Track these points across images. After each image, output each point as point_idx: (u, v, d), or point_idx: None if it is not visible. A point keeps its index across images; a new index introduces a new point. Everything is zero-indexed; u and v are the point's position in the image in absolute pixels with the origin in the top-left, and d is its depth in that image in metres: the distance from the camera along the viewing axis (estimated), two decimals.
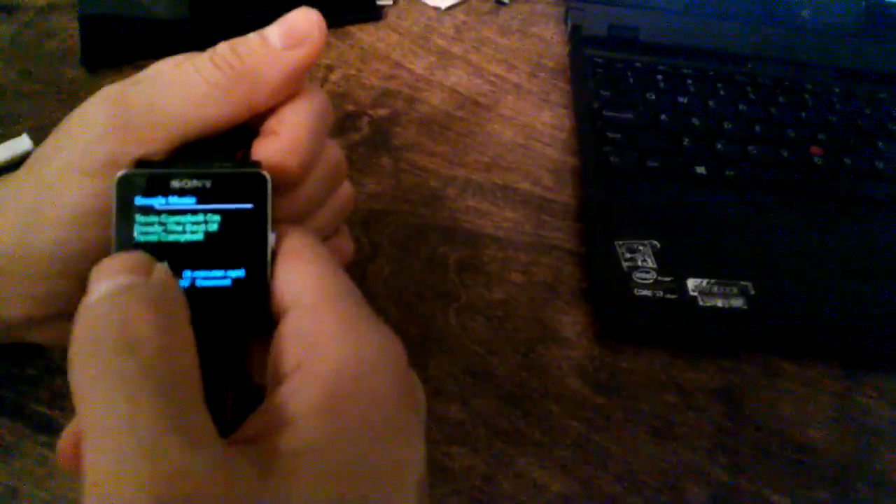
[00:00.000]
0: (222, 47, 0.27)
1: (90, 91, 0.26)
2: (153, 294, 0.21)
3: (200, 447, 0.18)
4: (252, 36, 0.27)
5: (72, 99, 0.48)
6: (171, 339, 0.20)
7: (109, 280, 0.21)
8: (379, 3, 0.60)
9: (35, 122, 0.46)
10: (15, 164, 0.42)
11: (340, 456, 0.21)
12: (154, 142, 0.25)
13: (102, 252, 0.24)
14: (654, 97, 0.54)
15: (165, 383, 0.19)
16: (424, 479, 0.24)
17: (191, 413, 0.19)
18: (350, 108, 0.52)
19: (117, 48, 0.52)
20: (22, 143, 0.44)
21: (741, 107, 0.54)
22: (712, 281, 0.42)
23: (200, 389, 0.20)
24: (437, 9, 0.61)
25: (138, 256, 0.22)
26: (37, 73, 0.50)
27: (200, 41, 0.29)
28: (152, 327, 0.20)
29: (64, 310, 0.27)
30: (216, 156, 0.27)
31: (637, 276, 0.42)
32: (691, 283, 0.42)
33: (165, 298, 0.21)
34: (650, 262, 0.42)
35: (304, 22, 0.27)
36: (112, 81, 0.26)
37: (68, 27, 0.53)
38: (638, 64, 0.56)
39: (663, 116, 0.52)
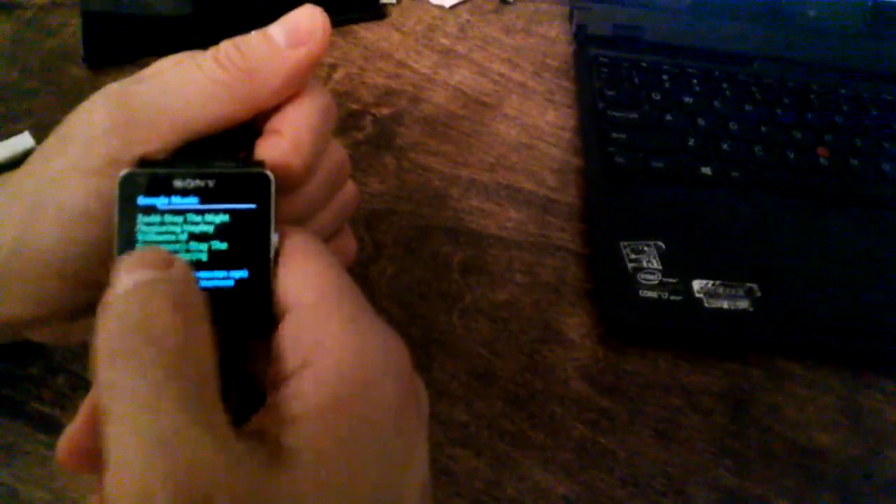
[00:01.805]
0: (225, 45, 0.26)
1: (92, 89, 0.26)
2: (175, 290, 0.21)
3: (219, 441, 0.19)
4: (255, 34, 0.27)
5: (74, 97, 0.47)
6: (192, 335, 0.20)
7: (133, 273, 0.21)
8: (382, 1, 0.59)
9: (37, 121, 0.46)
10: (16, 162, 0.42)
11: (342, 456, 0.21)
12: (156, 141, 0.25)
13: (104, 251, 0.24)
14: (659, 97, 0.53)
15: (188, 377, 0.19)
16: (427, 480, 0.24)
17: (210, 407, 0.19)
18: (353, 106, 0.52)
19: (120, 46, 0.52)
20: (23, 141, 0.43)
21: (747, 107, 0.53)
22: (718, 282, 0.42)
23: (217, 385, 0.20)
24: (440, 7, 0.60)
25: (159, 252, 0.22)
26: (38, 70, 0.50)
27: (203, 38, 0.28)
28: (175, 322, 0.20)
29: (65, 309, 0.27)
30: (219, 155, 0.26)
31: (642, 277, 0.41)
32: (696, 284, 0.41)
33: (185, 294, 0.21)
34: (655, 264, 0.42)
35: (308, 20, 0.27)
36: (114, 79, 0.26)
37: (70, 25, 0.53)
38: (643, 63, 0.56)
39: (668, 116, 0.52)
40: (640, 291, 0.41)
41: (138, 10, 0.54)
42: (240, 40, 0.27)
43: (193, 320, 0.21)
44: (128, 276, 0.21)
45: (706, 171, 0.48)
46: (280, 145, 0.26)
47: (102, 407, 0.19)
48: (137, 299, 0.20)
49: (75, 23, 0.53)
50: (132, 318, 0.20)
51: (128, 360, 0.19)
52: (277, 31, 0.27)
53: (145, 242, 0.23)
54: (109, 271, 0.22)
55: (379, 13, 0.59)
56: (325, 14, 0.27)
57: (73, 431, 0.22)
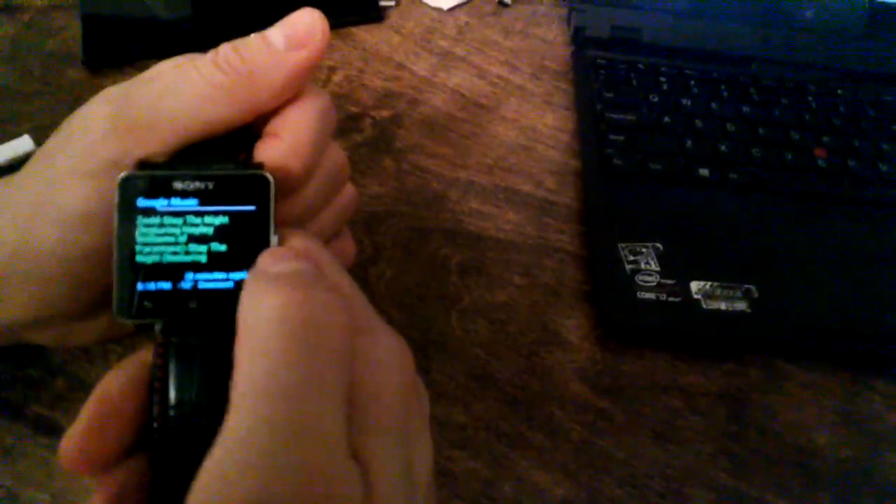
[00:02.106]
0: (224, 48, 0.26)
1: (92, 91, 0.26)
2: (339, 302, 0.21)
3: (342, 445, 0.19)
4: (254, 37, 0.27)
5: (73, 99, 0.48)
6: (348, 343, 0.21)
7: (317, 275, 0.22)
8: (381, 4, 0.59)
9: (36, 123, 0.46)
10: (16, 164, 0.42)
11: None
12: (156, 143, 0.25)
13: (104, 254, 0.24)
14: (657, 99, 0.53)
15: (336, 381, 0.20)
16: (431, 479, 0.24)
17: (344, 414, 0.20)
18: (352, 109, 0.52)
19: (119, 48, 0.52)
20: (23, 143, 0.44)
21: (745, 109, 0.54)
22: (715, 284, 0.42)
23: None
24: (439, 10, 0.61)
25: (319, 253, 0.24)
26: (38, 73, 0.50)
27: (202, 41, 0.28)
28: (339, 329, 0.21)
29: (65, 311, 0.27)
30: (218, 157, 0.26)
31: (640, 278, 0.41)
32: (694, 285, 0.41)
33: (344, 305, 0.22)
34: (653, 265, 0.42)
35: (307, 23, 0.27)
36: (114, 82, 0.26)
37: (70, 27, 0.53)
38: (641, 65, 0.56)
39: (666, 118, 0.52)
40: (638, 293, 0.41)
41: (137, 12, 0.54)
42: (239, 43, 0.27)
43: (349, 330, 0.21)
44: (314, 275, 0.21)
45: (704, 172, 0.49)
46: (279, 148, 0.26)
47: (247, 370, 0.19)
48: (315, 301, 0.21)
49: (75, 25, 0.53)
50: (307, 309, 0.20)
51: (294, 344, 0.19)
52: (276, 34, 0.27)
53: (145, 245, 0.23)
54: (110, 274, 0.22)
55: (377, 16, 0.59)
56: (323, 17, 0.27)
57: (75, 433, 0.22)
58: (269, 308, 0.20)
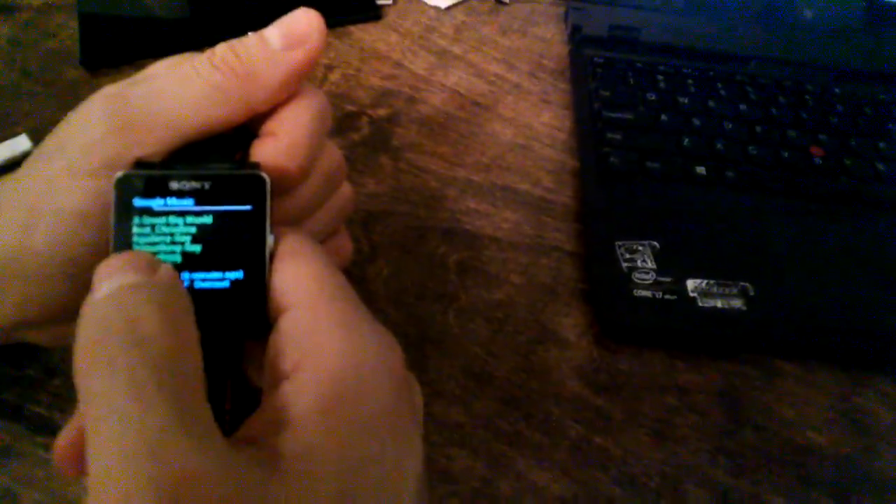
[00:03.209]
0: (221, 48, 0.27)
1: (89, 91, 0.26)
2: (159, 293, 0.21)
3: (206, 447, 0.18)
4: (251, 37, 0.27)
5: (71, 99, 0.47)
6: (177, 339, 0.20)
7: (115, 278, 0.21)
8: (379, 2, 0.59)
9: (34, 123, 0.46)
10: (14, 164, 0.42)
11: (339, 458, 0.21)
12: (153, 143, 0.25)
13: (101, 253, 0.24)
14: (654, 97, 0.53)
15: (172, 382, 0.19)
16: (424, 480, 0.24)
17: (197, 413, 0.19)
18: (350, 108, 0.52)
19: (117, 48, 0.52)
20: (21, 143, 0.44)
21: (741, 107, 0.54)
22: (712, 282, 0.42)
23: (205, 390, 0.20)
24: (437, 8, 0.61)
25: (143, 255, 0.22)
26: (36, 72, 0.50)
27: (200, 40, 0.29)
28: (159, 326, 0.19)
29: (63, 311, 0.27)
30: (215, 157, 0.26)
31: (637, 276, 0.42)
32: (691, 283, 0.42)
33: (171, 298, 0.21)
34: (650, 263, 0.42)
35: (304, 23, 0.27)
36: (111, 81, 0.26)
37: (67, 27, 0.53)
38: (638, 64, 0.56)
39: (663, 117, 0.52)
40: (635, 291, 0.41)
41: (135, 12, 0.54)
42: (236, 43, 0.27)
43: (179, 325, 0.20)
44: (109, 281, 0.20)
45: (701, 170, 0.49)
46: (276, 147, 0.26)
47: (83, 413, 0.18)
48: (120, 302, 0.20)
49: (72, 25, 0.53)
50: (114, 321, 0.19)
51: (110, 363, 0.19)
52: (273, 33, 0.27)
53: (141, 244, 0.23)
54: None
55: (375, 14, 0.59)
56: (320, 17, 0.27)
57: (68, 433, 0.22)
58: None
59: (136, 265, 0.21)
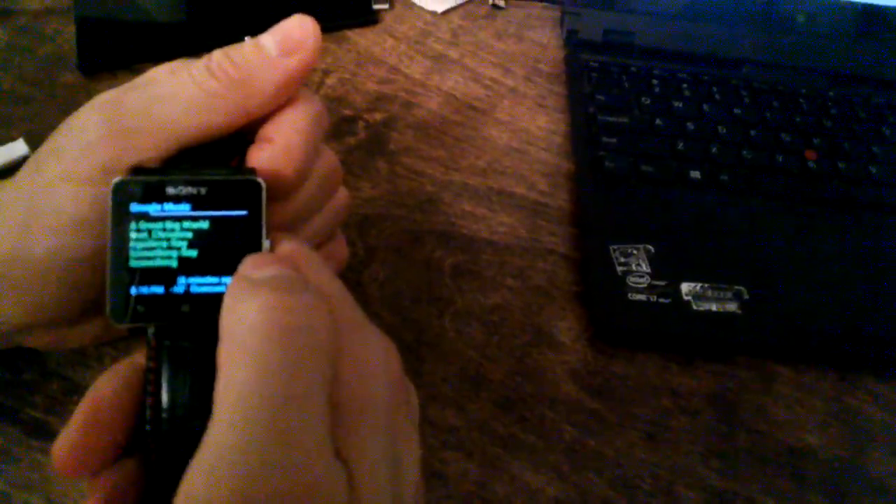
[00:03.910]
0: (217, 55, 0.27)
1: (86, 96, 0.26)
2: (325, 313, 0.22)
3: (325, 450, 0.20)
4: (247, 43, 0.27)
5: (68, 104, 0.48)
6: (334, 349, 0.21)
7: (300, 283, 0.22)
8: (375, 7, 0.60)
9: (31, 127, 0.46)
10: (11, 169, 0.43)
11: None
12: (149, 149, 0.25)
13: (98, 258, 0.24)
14: (649, 101, 0.54)
15: (318, 386, 0.20)
16: (420, 483, 0.24)
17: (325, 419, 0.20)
18: (346, 112, 0.52)
19: (114, 52, 0.52)
20: (18, 147, 0.44)
21: (736, 111, 0.54)
22: (706, 285, 0.42)
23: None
24: (433, 13, 0.61)
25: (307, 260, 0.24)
26: (33, 77, 0.50)
27: (197, 44, 0.29)
28: (326, 332, 0.21)
29: (60, 315, 0.27)
30: (211, 162, 0.27)
31: (631, 280, 0.42)
32: (685, 287, 0.42)
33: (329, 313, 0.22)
34: (644, 267, 0.42)
35: (299, 29, 0.27)
36: (108, 86, 0.27)
37: (64, 31, 0.53)
38: (633, 68, 0.57)
39: (658, 121, 0.52)
40: (630, 294, 0.41)
41: (132, 16, 0.54)
42: (232, 50, 0.27)
43: (337, 336, 0.22)
44: (297, 281, 0.22)
45: (695, 174, 0.49)
46: (271, 153, 0.27)
47: (230, 371, 0.19)
48: (299, 306, 0.21)
49: (69, 30, 0.53)
50: (295, 314, 0.20)
51: (281, 350, 0.20)
52: (269, 40, 0.27)
53: (138, 249, 0.23)
54: (103, 278, 0.23)
55: (372, 19, 0.59)
56: (315, 23, 0.27)
57: (68, 436, 0.22)
58: (249, 313, 0.20)
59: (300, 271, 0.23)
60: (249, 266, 0.22)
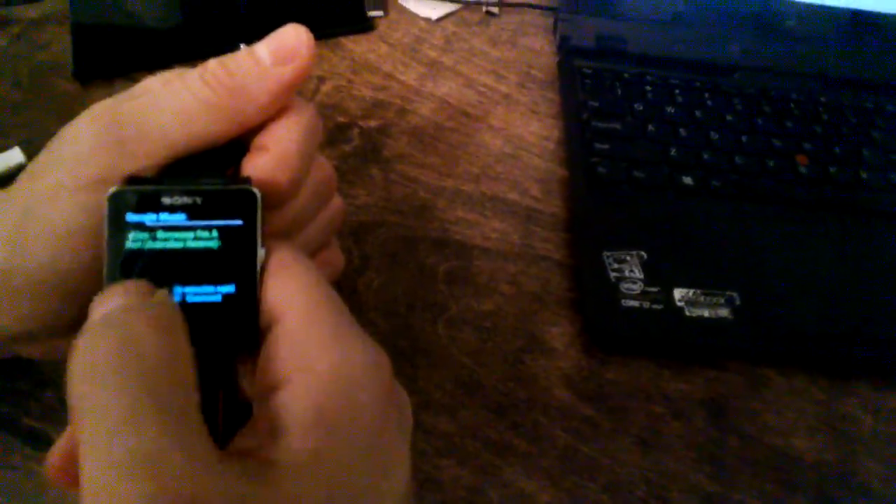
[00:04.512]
0: (212, 64, 0.27)
1: (82, 103, 0.26)
2: (154, 313, 0.21)
3: (201, 463, 0.19)
4: (242, 53, 0.27)
5: (64, 112, 0.48)
6: (171, 354, 0.20)
7: (112, 302, 0.21)
8: (370, 14, 0.60)
9: (27, 135, 0.46)
10: (7, 177, 0.43)
11: (328, 469, 0.21)
12: (145, 158, 0.25)
13: (94, 267, 0.24)
14: (641, 108, 0.54)
15: (167, 396, 0.19)
16: (410, 490, 0.24)
17: (191, 428, 0.19)
18: (341, 119, 0.52)
19: (109, 60, 0.52)
20: (13, 156, 0.44)
21: (728, 117, 0.54)
22: (698, 291, 0.42)
23: (199, 405, 0.20)
24: (427, 20, 0.61)
25: (139, 283, 0.22)
26: (28, 85, 0.50)
27: (192, 52, 0.29)
28: (153, 342, 0.20)
29: (56, 324, 0.27)
30: (207, 172, 0.27)
31: (624, 286, 0.42)
32: (677, 293, 0.42)
33: (165, 316, 0.21)
34: (637, 273, 0.43)
35: (293, 39, 0.27)
36: (104, 93, 0.27)
37: (60, 39, 0.53)
38: (626, 75, 0.57)
39: (651, 127, 0.53)
40: (623, 301, 0.41)
41: (127, 24, 0.54)
42: (227, 59, 0.27)
43: (174, 340, 0.21)
44: (105, 305, 0.21)
45: (688, 180, 0.49)
46: (266, 162, 0.27)
47: (77, 427, 0.19)
48: (116, 323, 0.20)
49: (65, 38, 0.53)
50: (109, 340, 0.20)
51: (105, 377, 0.19)
52: (263, 49, 0.27)
53: (134, 259, 0.23)
54: (100, 287, 0.23)
55: (366, 26, 0.59)
56: (309, 33, 0.28)
57: (61, 446, 0.22)
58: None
59: (131, 290, 0.22)
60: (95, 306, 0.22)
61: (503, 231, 0.47)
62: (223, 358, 0.25)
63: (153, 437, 0.18)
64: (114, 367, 0.19)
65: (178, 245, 0.24)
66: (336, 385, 0.22)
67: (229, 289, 0.24)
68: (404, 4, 0.62)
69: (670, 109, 0.54)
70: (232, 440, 0.23)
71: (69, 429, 0.22)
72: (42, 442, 0.34)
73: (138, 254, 0.23)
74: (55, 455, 0.22)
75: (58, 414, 0.35)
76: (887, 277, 0.46)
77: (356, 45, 0.58)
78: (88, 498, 0.18)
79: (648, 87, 0.56)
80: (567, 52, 0.59)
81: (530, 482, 0.36)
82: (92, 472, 0.18)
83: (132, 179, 0.25)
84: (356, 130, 0.52)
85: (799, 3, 0.61)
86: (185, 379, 0.20)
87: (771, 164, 0.51)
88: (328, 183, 0.31)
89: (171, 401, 0.19)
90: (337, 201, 0.33)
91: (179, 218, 0.24)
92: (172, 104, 0.26)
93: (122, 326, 0.20)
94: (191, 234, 0.24)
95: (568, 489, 0.36)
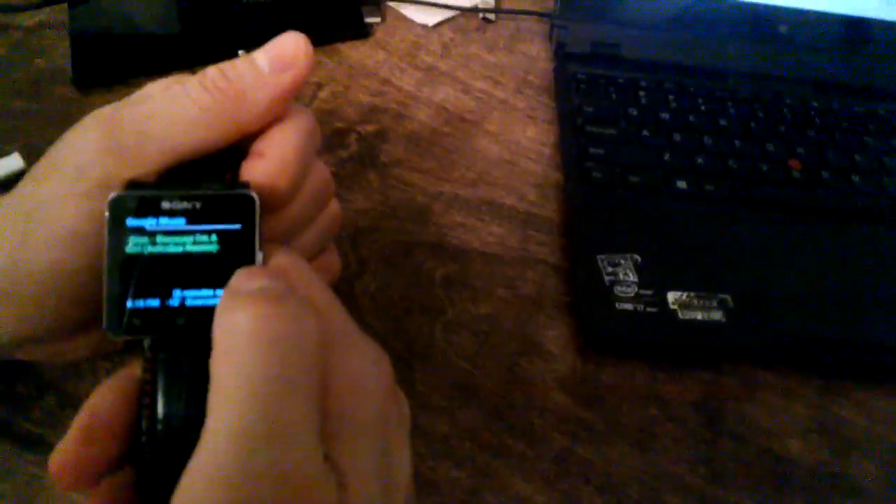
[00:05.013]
0: (212, 71, 0.27)
1: (82, 109, 0.26)
2: (300, 299, 0.22)
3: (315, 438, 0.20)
4: (241, 60, 0.28)
5: (63, 118, 0.48)
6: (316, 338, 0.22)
7: (261, 279, 0.22)
8: (367, 20, 0.60)
9: (26, 141, 0.47)
10: (6, 183, 0.43)
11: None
12: (145, 164, 0.26)
13: (94, 273, 0.25)
14: (636, 112, 0.55)
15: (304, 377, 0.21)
16: (410, 491, 0.25)
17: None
18: (338, 124, 0.53)
19: (108, 66, 0.52)
20: (13, 162, 0.44)
21: (721, 122, 0.55)
22: (692, 294, 0.43)
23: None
24: (424, 26, 0.62)
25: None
26: (28, 91, 0.51)
27: (191, 58, 0.29)
28: (307, 324, 0.22)
29: (57, 328, 0.28)
30: (206, 177, 0.27)
31: (618, 289, 0.42)
32: (671, 296, 0.43)
33: (307, 303, 0.23)
34: (631, 276, 0.43)
35: (292, 46, 0.28)
36: (103, 100, 0.27)
37: (59, 46, 0.54)
38: (621, 80, 0.57)
39: (645, 132, 0.53)
40: (617, 304, 0.42)
41: (126, 30, 0.55)
42: (226, 66, 0.28)
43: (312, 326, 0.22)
44: (257, 280, 0.22)
45: (681, 184, 0.50)
46: (265, 167, 0.27)
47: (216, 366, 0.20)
48: (277, 296, 0.21)
49: (64, 44, 0.53)
50: (280, 314, 0.21)
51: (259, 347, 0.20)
52: (262, 57, 0.28)
53: (134, 263, 0.24)
54: (100, 291, 0.23)
55: (364, 32, 0.60)
56: (308, 40, 0.28)
57: (65, 448, 0.22)
58: (240, 323, 0.21)
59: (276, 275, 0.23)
60: (240, 278, 0.23)
61: (500, 235, 0.47)
62: None
63: (288, 415, 0.20)
64: (274, 348, 0.20)
65: (178, 249, 0.24)
66: (340, 384, 0.22)
67: None
68: (401, 11, 0.63)
69: (664, 114, 0.55)
70: None
71: (72, 428, 0.23)
72: (42, 447, 0.34)
73: (138, 258, 0.24)
74: (60, 454, 0.22)
75: (58, 418, 0.35)
76: (879, 280, 0.46)
77: (353, 51, 0.58)
78: (207, 454, 0.19)
79: (643, 93, 0.57)
80: (563, 57, 0.59)
81: (526, 484, 0.36)
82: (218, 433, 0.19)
83: (132, 185, 0.25)
84: (353, 136, 0.52)
85: (792, 9, 0.62)
86: (318, 363, 0.22)
87: (764, 168, 0.52)
88: (326, 188, 0.32)
89: (307, 381, 0.21)
90: (334, 206, 0.33)
91: (179, 222, 0.24)
92: (172, 111, 0.27)
93: (290, 319, 0.21)
94: (190, 239, 0.24)
95: (564, 491, 0.36)
